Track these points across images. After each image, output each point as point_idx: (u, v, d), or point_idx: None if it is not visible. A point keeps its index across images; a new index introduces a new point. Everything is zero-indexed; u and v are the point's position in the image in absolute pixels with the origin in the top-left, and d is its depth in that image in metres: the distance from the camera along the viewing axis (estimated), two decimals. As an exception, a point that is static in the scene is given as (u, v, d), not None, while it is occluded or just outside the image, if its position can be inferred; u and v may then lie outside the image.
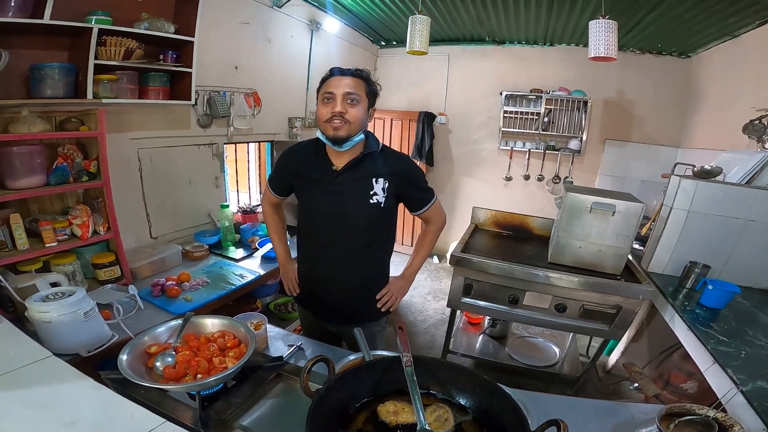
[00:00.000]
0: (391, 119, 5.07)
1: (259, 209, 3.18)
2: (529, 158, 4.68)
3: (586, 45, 2.61)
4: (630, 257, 2.24)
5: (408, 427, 0.94)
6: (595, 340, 3.13)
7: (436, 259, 5.24)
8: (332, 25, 3.93)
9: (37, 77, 1.77)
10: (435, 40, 4.47)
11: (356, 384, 1.02)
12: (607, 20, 2.43)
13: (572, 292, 2.11)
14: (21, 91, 1.80)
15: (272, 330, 1.61)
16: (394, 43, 4.92)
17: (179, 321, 1.22)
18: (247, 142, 3.42)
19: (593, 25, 2.48)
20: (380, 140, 1.56)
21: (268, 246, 2.63)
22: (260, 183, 3.65)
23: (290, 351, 1.48)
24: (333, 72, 1.42)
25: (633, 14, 3.11)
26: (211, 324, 1.26)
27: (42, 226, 1.78)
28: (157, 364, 1.08)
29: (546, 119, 4.35)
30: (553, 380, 2.70)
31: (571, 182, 4.51)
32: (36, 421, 0.89)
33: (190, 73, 2.28)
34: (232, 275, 2.36)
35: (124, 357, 1.03)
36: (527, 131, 4.50)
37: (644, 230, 2.70)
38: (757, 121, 2.56)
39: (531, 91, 4.41)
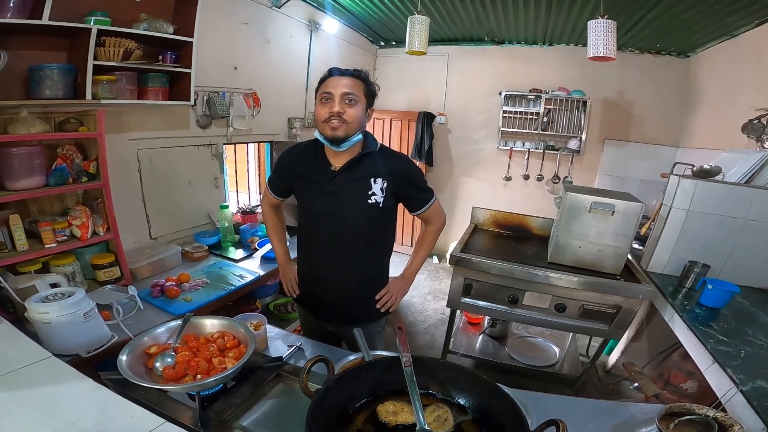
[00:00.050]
0: (391, 119, 5.07)
1: (259, 210, 3.19)
2: (528, 158, 4.68)
3: (585, 45, 2.61)
4: (629, 257, 2.24)
5: (407, 427, 0.94)
6: (595, 339, 3.13)
7: (435, 259, 5.24)
8: (331, 25, 3.93)
9: (36, 78, 1.77)
10: (434, 40, 4.47)
11: (356, 384, 1.02)
12: (606, 20, 2.44)
13: (572, 291, 2.11)
14: (20, 92, 1.80)
15: (272, 330, 1.61)
16: (394, 43, 4.92)
17: (179, 321, 1.22)
18: (247, 143, 3.42)
19: (592, 24, 2.48)
20: (379, 140, 1.56)
21: (268, 246, 2.63)
22: (260, 183, 3.65)
23: (290, 351, 1.48)
24: (331, 72, 1.42)
25: (632, 14, 3.11)
26: (211, 324, 1.26)
27: (41, 227, 1.78)
28: (157, 364, 1.08)
29: (545, 119, 4.36)
30: (553, 380, 2.70)
31: (571, 182, 4.51)
32: (36, 422, 0.88)
33: (189, 73, 2.28)
34: (231, 276, 2.36)
35: (123, 357, 1.03)
36: (527, 131, 4.50)
37: (644, 230, 2.70)
38: (756, 121, 2.57)
39: (530, 91, 4.41)
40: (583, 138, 4.31)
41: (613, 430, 1.21)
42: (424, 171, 4.85)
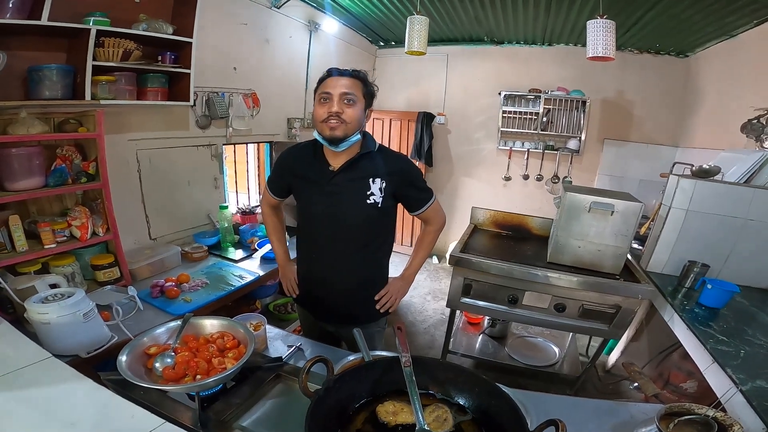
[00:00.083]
0: (390, 119, 5.07)
1: (258, 210, 3.19)
2: (528, 158, 4.68)
3: (584, 45, 2.61)
4: (629, 257, 2.24)
5: (407, 427, 0.94)
6: (595, 339, 3.13)
7: (435, 260, 5.24)
8: (331, 25, 3.93)
9: (36, 78, 1.77)
10: (433, 40, 4.47)
11: (355, 384, 1.02)
12: (605, 20, 2.44)
13: (571, 291, 2.11)
14: (19, 93, 1.80)
15: (272, 331, 1.61)
16: (393, 43, 4.92)
17: (178, 322, 1.22)
18: (246, 143, 3.42)
19: (591, 24, 2.48)
20: (379, 140, 1.56)
21: (267, 247, 2.63)
22: (259, 184, 3.65)
23: (290, 352, 1.48)
24: (330, 72, 1.42)
25: (631, 14, 3.12)
26: (210, 325, 1.26)
27: (41, 227, 1.78)
28: (157, 365, 1.08)
29: (545, 119, 4.36)
30: (553, 380, 2.70)
31: (570, 182, 4.51)
32: (36, 422, 0.88)
33: (189, 74, 2.28)
34: (231, 276, 2.36)
35: (123, 358, 1.03)
36: (526, 131, 4.50)
37: (643, 230, 2.71)
38: (755, 121, 2.57)
39: (530, 91, 4.41)
40: (583, 138, 4.31)
41: (612, 430, 1.21)
42: (423, 171, 4.85)
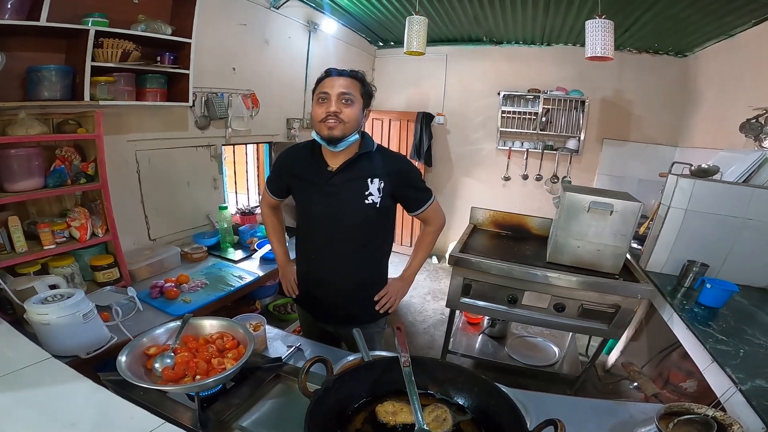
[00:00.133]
0: (389, 120, 5.07)
1: (258, 210, 3.19)
2: (527, 158, 4.68)
3: (583, 45, 2.62)
4: (628, 256, 2.24)
5: (406, 427, 0.94)
6: (595, 339, 3.13)
7: (435, 260, 5.24)
8: (330, 25, 3.93)
9: (34, 79, 1.77)
10: (432, 40, 4.48)
11: (354, 384, 1.02)
12: (603, 20, 2.44)
13: (571, 291, 2.11)
14: (18, 94, 1.80)
15: (271, 331, 1.61)
16: (392, 43, 4.92)
17: (178, 322, 1.22)
18: (246, 144, 3.42)
19: (590, 24, 2.49)
20: (378, 141, 1.56)
21: (267, 247, 2.63)
22: (259, 184, 3.65)
23: (289, 352, 1.48)
24: (328, 72, 1.42)
25: (629, 14, 3.12)
26: (210, 325, 1.25)
27: (40, 228, 1.78)
28: (156, 365, 1.08)
29: (544, 119, 4.36)
30: (553, 380, 2.70)
31: (569, 182, 4.52)
32: (35, 423, 0.89)
33: (188, 74, 2.28)
34: (231, 277, 2.36)
35: (123, 358, 1.03)
36: (525, 131, 4.51)
37: (642, 229, 2.71)
38: (754, 120, 2.57)
39: (529, 91, 4.42)
40: (582, 138, 4.32)
41: (612, 430, 1.21)
42: (423, 171, 4.86)
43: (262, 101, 3.21)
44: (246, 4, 2.98)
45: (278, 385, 1.24)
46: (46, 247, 1.79)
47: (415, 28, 2.88)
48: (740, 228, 2.14)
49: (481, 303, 2.30)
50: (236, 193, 3.59)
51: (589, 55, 2.54)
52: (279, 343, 1.56)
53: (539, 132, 4.42)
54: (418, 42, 2.90)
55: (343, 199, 1.47)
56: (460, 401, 1.04)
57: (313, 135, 1.47)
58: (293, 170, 1.58)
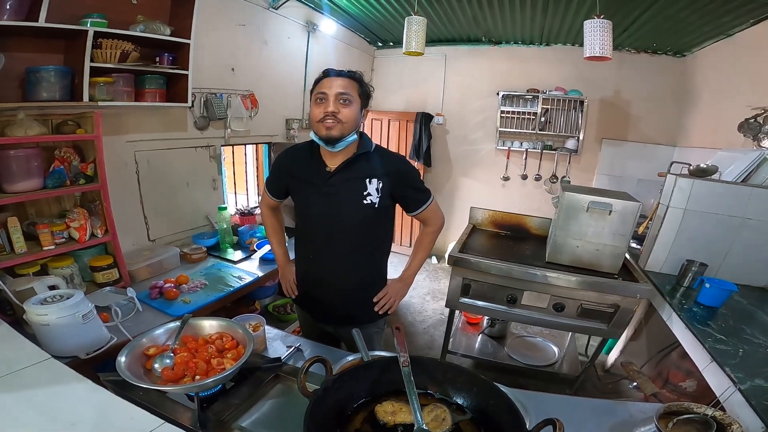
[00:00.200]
0: (389, 120, 5.07)
1: (257, 211, 3.19)
2: (526, 158, 4.68)
3: (581, 45, 2.62)
4: (627, 256, 2.24)
5: (406, 427, 0.94)
6: (594, 339, 3.12)
7: (434, 260, 5.24)
8: (329, 26, 3.94)
9: (33, 80, 1.77)
10: (431, 40, 4.48)
11: (354, 384, 1.02)
12: (602, 20, 2.44)
13: (570, 291, 2.11)
14: (17, 94, 1.80)
15: (271, 331, 1.61)
16: (391, 44, 4.92)
17: (177, 323, 1.22)
18: (245, 144, 3.42)
19: (588, 24, 2.49)
20: (377, 141, 1.56)
21: (267, 248, 2.63)
22: (258, 185, 3.65)
23: (289, 352, 1.48)
24: (326, 73, 1.43)
25: (627, 14, 3.12)
26: (209, 326, 1.25)
27: (39, 229, 1.78)
28: (156, 365, 1.08)
29: (543, 119, 4.37)
30: (553, 379, 2.70)
31: (569, 182, 4.52)
32: (35, 423, 0.89)
33: (187, 75, 2.28)
34: (230, 277, 2.36)
35: (122, 359, 1.03)
36: (524, 131, 4.51)
37: (641, 229, 2.71)
38: (753, 120, 2.57)
39: (528, 91, 4.43)
40: (581, 138, 4.32)
41: (612, 429, 1.21)
42: (422, 171, 4.86)
43: (261, 102, 3.21)
44: (245, 5, 2.98)
45: (278, 386, 1.25)
46: (45, 248, 1.79)
47: (414, 29, 2.88)
48: (739, 227, 2.15)
49: (480, 303, 2.30)
50: (235, 193, 3.59)
51: (587, 55, 2.54)
52: (278, 343, 1.56)
53: (538, 132, 4.42)
54: (417, 42, 2.90)
55: (341, 200, 1.47)
56: (460, 401, 1.04)
57: (312, 135, 1.47)
58: (292, 171, 1.58)
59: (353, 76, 1.43)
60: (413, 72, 4.96)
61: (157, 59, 2.21)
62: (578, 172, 4.56)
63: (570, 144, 4.39)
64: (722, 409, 1.26)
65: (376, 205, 1.48)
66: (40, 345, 1.24)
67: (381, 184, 1.47)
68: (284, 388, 1.24)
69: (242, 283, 2.31)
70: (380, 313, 1.65)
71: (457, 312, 2.72)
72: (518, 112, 4.47)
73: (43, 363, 1.09)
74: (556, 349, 2.88)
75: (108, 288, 1.98)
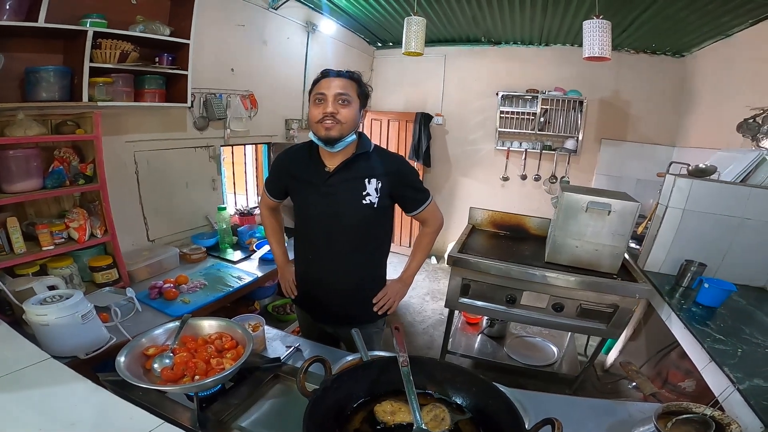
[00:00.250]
0: (388, 120, 5.08)
1: (257, 211, 3.19)
2: (525, 158, 4.69)
3: (581, 45, 2.62)
4: (626, 256, 2.25)
5: (405, 426, 0.94)
6: (593, 339, 3.13)
7: (434, 260, 5.24)
8: (328, 26, 3.94)
9: (33, 80, 1.77)
10: (431, 40, 4.48)
11: (353, 384, 1.03)
12: (601, 20, 2.44)
13: (569, 291, 2.12)
14: (16, 95, 1.80)
15: (270, 331, 1.61)
16: (390, 44, 4.93)
17: (177, 323, 1.22)
18: (244, 144, 3.42)
19: (587, 25, 2.49)
20: (377, 141, 1.56)
21: (266, 248, 2.63)
22: (257, 185, 3.65)
23: (288, 352, 1.48)
24: (324, 74, 1.42)
25: (626, 14, 3.13)
26: (209, 326, 1.25)
27: (39, 229, 1.78)
28: (155, 365, 1.08)
29: (542, 119, 4.37)
30: (552, 379, 2.71)
31: (568, 182, 4.53)
32: (35, 423, 0.88)
33: (186, 75, 2.28)
34: (229, 277, 2.36)
35: (122, 359, 1.03)
36: (524, 131, 4.51)
37: (640, 229, 2.72)
38: (752, 120, 2.58)
39: (527, 92, 4.43)
40: (580, 138, 4.33)
41: (611, 429, 1.21)
42: (421, 172, 4.86)
43: (260, 102, 3.22)
44: (244, 5, 2.98)
45: (277, 385, 1.25)
46: (44, 248, 1.79)
47: (414, 29, 2.88)
48: (738, 227, 2.15)
49: (479, 303, 2.30)
50: (235, 193, 3.59)
51: (586, 56, 2.54)
52: (278, 343, 1.56)
53: (537, 132, 4.43)
54: (416, 42, 2.90)
55: (340, 200, 1.48)
56: (459, 401, 1.04)
57: (311, 136, 1.47)
58: (291, 171, 1.58)
59: (352, 77, 1.43)
60: (413, 72, 4.97)
61: (157, 59, 2.21)
62: (577, 173, 4.56)
63: (569, 144, 4.39)
64: (721, 408, 1.25)
65: (375, 205, 1.48)
66: (40, 345, 1.24)
67: (380, 184, 1.47)
68: (284, 388, 1.24)
69: (242, 283, 2.31)
70: (380, 313, 1.65)
71: (456, 312, 2.72)
72: (517, 113, 4.47)
73: (42, 363, 1.09)
74: (555, 349, 2.88)
75: (107, 288, 1.98)
